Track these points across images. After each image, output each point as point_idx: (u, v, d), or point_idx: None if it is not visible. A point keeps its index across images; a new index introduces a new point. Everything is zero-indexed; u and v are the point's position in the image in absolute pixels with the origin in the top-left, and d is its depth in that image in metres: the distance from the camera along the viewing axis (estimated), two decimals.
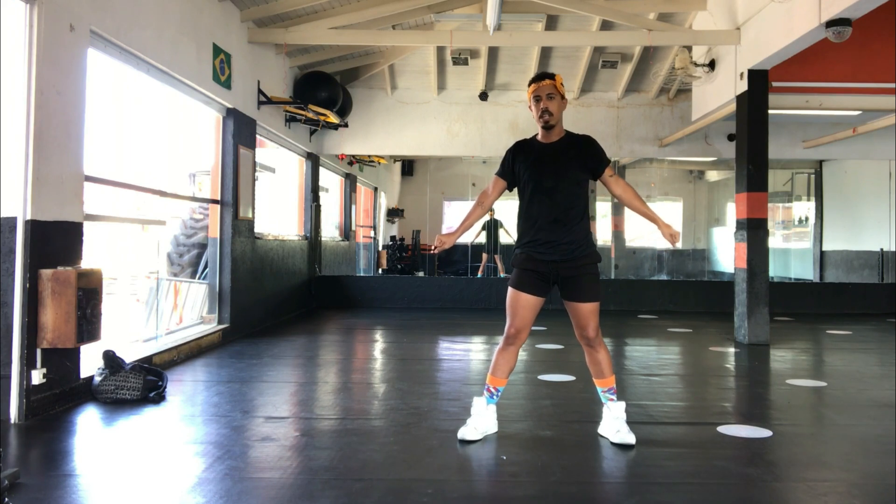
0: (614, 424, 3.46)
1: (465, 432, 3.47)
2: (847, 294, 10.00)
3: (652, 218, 3.56)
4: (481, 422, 3.48)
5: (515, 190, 3.62)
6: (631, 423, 3.87)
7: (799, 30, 5.79)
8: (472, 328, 7.95)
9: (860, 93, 7.64)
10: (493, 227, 13.98)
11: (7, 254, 3.73)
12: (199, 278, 8.25)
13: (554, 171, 3.45)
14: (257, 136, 7.53)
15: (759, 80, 6.77)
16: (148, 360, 4.95)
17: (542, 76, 3.46)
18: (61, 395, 4.02)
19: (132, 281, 9.51)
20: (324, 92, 8.52)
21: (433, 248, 3.72)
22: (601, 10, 7.29)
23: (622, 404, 3.52)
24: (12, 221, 3.73)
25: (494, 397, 3.51)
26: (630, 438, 3.41)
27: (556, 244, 3.41)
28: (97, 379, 4.20)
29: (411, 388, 4.73)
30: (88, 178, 4.33)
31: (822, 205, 14.66)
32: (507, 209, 13.95)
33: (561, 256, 3.41)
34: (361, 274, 13.59)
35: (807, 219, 15.20)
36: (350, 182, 12.53)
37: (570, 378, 5.04)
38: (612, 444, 3.42)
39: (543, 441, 3.51)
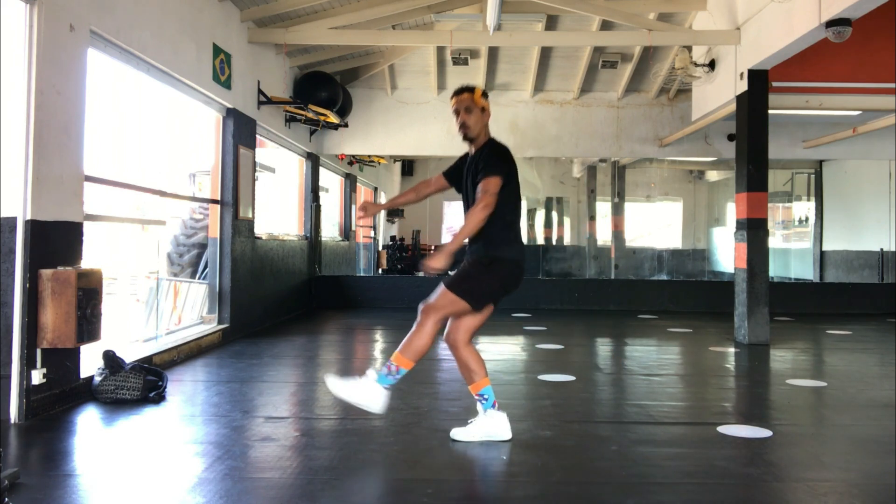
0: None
1: (455, 430, 3.47)
2: (847, 294, 10.00)
3: (454, 237, 3.28)
4: (475, 424, 3.44)
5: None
6: (631, 422, 3.89)
7: (799, 30, 5.79)
8: None
9: (860, 93, 7.64)
10: None
11: (7, 254, 3.73)
12: (199, 278, 8.25)
13: (466, 182, 3.51)
14: (257, 136, 7.53)
15: (759, 80, 6.77)
16: (148, 360, 4.95)
17: (461, 90, 3.48)
18: (61, 395, 4.02)
19: (132, 281, 9.51)
20: (324, 92, 8.52)
21: (357, 216, 3.77)
22: (601, 10, 7.29)
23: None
24: (12, 221, 3.73)
25: (482, 401, 3.42)
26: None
27: (468, 248, 3.46)
28: (97, 379, 4.20)
29: (411, 388, 4.72)
30: (88, 178, 4.33)
31: (822, 205, 14.66)
32: None
33: (466, 256, 3.47)
34: (361, 274, 13.58)
35: (807, 219, 15.20)
36: (350, 182, 12.53)
37: (570, 378, 5.04)
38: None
39: (543, 441, 3.51)
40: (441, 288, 3.37)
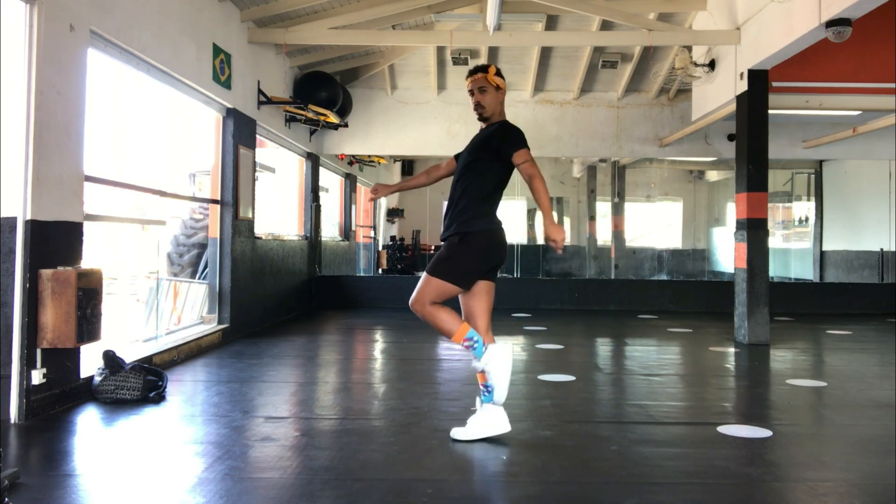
0: None
1: (455, 430, 3.47)
2: (847, 294, 10.00)
3: (544, 214, 3.30)
4: (473, 420, 3.44)
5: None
6: (631, 422, 3.90)
7: (799, 30, 5.79)
8: None
9: (860, 93, 7.64)
10: None
11: (7, 254, 3.73)
12: (199, 278, 8.25)
13: (466, 152, 3.52)
14: (257, 136, 7.53)
15: (759, 80, 6.77)
16: (148, 360, 4.95)
17: (475, 70, 3.49)
18: (61, 395, 4.02)
19: (132, 281, 9.50)
20: (324, 92, 8.52)
21: (369, 198, 3.78)
22: (601, 10, 7.29)
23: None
24: (12, 221, 3.73)
25: (485, 394, 3.42)
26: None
27: (446, 220, 3.47)
28: (97, 379, 4.20)
29: (411, 388, 4.73)
30: (88, 178, 4.33)
31: (822, 205, 14.66)
32: (511, 210, 13.94)
33: (444, 232, 3.46)
34: (361, 274, 13.58)
35: (807, 219, 15.19)
36: (350, 182, 12.53)
37: (570, 378, 5.04)
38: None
39: (543, 441, 3.51)
40: (423, 276, 3.37)
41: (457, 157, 3.69)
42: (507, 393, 3.38)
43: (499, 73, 3.49)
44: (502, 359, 3.33)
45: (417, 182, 3.83)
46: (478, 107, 3.48)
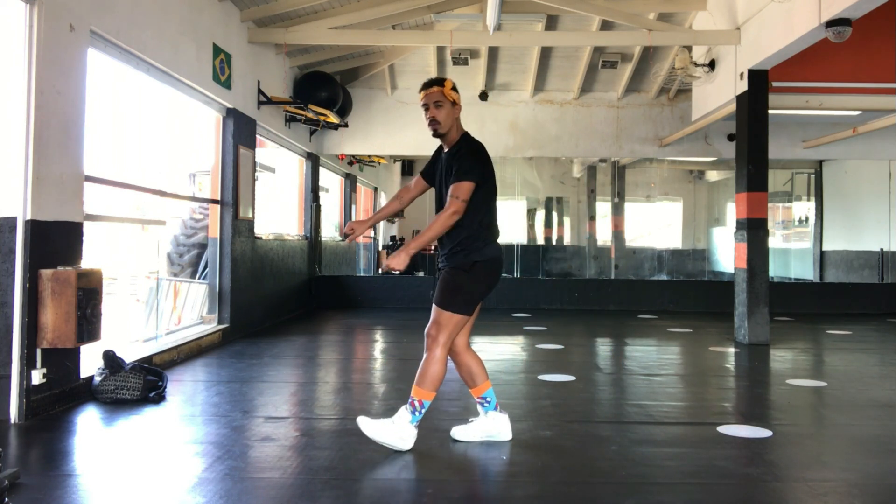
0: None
1: (455, 430, 3.47)
2: (847, 294, 10.00)
3: (414, 240, 3.21)
4: (476, 424, 3.44)
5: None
6: (631, 422, 3.90)
7: (799, 30, 5.79)
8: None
9: (860, 93, 7.64)
10: None
11: (7, 254, 3.73)
12: (199, 278, 8.25)
13: (440, 180, 3.39)
14: (257, 136, 7.53)
15: (759, 80, 6.77)
16: (148, 360, 4.95)
17: (430, 83, 3.33)
18: (61, 395, 4.02)
19: (132, 281, 9.50)
20: (324, 92, 8.52)
21: (345, 236, 3.61)
22: (601, 10, 7.29)
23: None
24: (12, 221, 3.73)
25: (484, 405, 3.42)
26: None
27: (441, 249, 3.37)
28: (97, 379, 4.20)
29: (411, 388, 4.72)
30: (88, 178, 4.33)
31: (822, 205, 14.66)
32: (511, 210, 13.94)
33: (442, 262, 3.36)
34: (361, 274, 13.58)
35: (807, 219, 15.19)
36: (350, 182, 12.53)
37: (570, 378, 5.04)
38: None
39: (543, 441, 3.51)
40: (435, 310, 3.27)
41: (423, 175, 3.57)
42: (374, 435, 3.28)
43: (454, 88, 3.34)
44: (401, 441, 3.26)
45: (391, 209, 3.72)
46: (433, 122, 3.30)
